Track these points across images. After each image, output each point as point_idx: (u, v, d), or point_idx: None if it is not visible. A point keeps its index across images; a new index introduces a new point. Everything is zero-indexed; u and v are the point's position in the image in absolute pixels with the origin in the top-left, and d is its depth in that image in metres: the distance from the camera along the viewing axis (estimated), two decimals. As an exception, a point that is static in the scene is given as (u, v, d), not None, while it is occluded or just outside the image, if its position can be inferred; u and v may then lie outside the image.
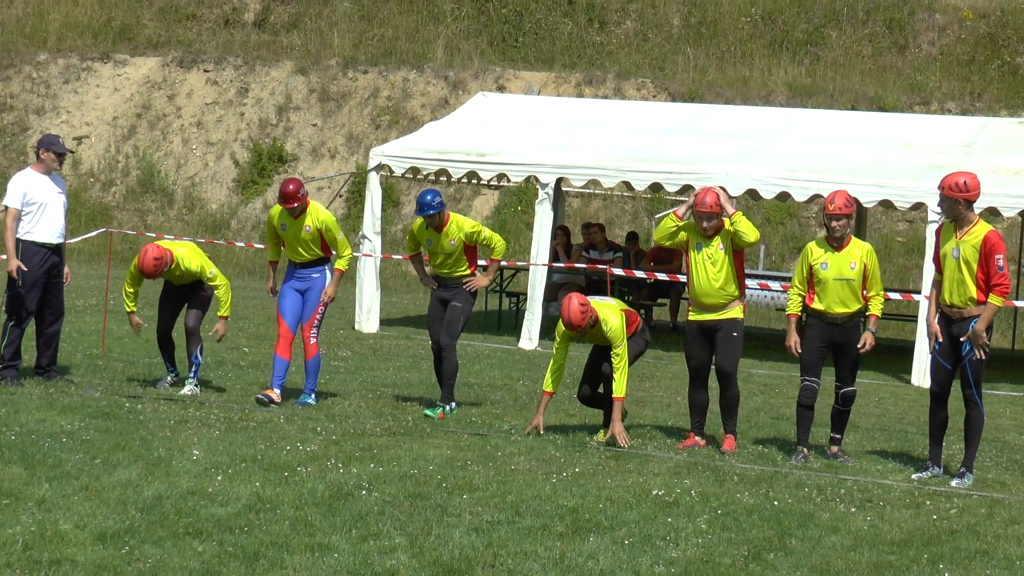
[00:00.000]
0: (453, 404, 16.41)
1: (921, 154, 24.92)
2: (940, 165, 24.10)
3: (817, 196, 25.21)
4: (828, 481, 13.76)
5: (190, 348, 17.31)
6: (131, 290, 17.88)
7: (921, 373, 22.73)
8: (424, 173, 27.54)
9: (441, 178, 27.37)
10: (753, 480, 13.55)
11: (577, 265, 27.01)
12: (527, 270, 24.91)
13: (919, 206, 24.08)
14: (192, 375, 17.43)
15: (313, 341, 16.66)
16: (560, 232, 27.75)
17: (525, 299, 24.69)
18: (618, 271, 25.28)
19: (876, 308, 14.91)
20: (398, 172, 26.81)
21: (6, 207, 17.88)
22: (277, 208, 16.99)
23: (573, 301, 14.41)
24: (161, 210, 40.29)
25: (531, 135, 26.66)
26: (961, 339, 13.68)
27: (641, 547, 10.63)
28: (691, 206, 14.93)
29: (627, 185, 27.18)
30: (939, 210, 15.96)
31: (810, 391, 14.40)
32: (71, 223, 16.12)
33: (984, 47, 39.73)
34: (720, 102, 34.23)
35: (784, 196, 25.22)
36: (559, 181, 25.74)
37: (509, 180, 27.42)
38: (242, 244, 34.14)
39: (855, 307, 14.77)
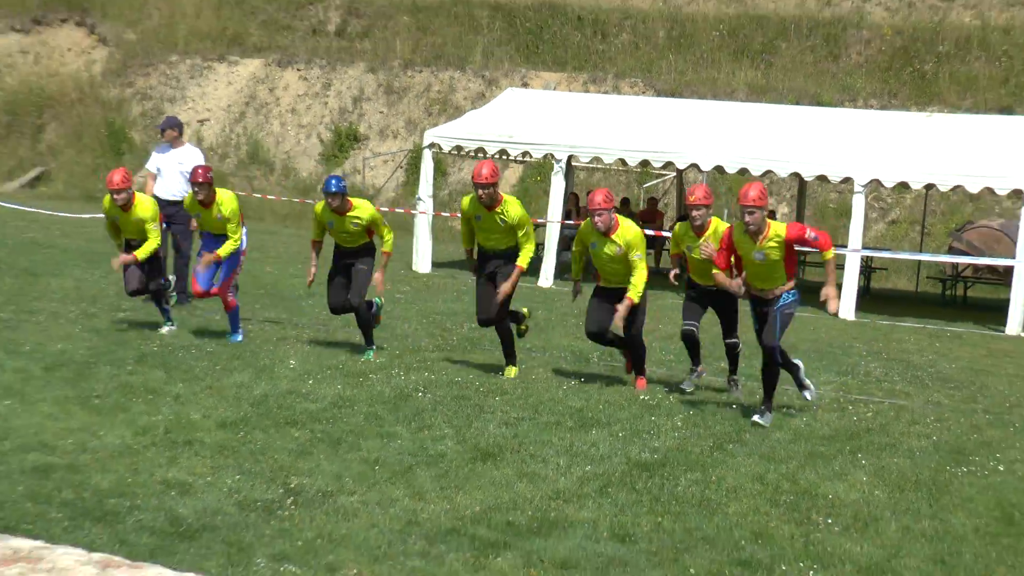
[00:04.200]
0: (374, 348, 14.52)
1: (850, 139, 24.87)
2: (865, 148, 24.13)
3: (769, 171, 25.23)
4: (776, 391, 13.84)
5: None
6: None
7: (850, 308, 22.80)
8: (466, 150, 27.55)
9: (479, 154, 27.37)
10: (718, 388, 13.67)
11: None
12: (545, 226, 24.88)
13: (847, 180, 24.03)
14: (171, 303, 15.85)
15: None
16: (572, 197, 27.73)
17: (543, 247, 24.67)
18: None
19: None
20: (446, 149, 26.86)
21: (147, 171, 18.84)
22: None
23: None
24: (264, 176, 40.24)
25: (548, 122, 26.64)
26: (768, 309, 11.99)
27: (631, 438, 10.75)
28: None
29: (623, 161, 27.26)
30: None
31: (690, 332, 13.27)
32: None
33: (899, 57, 39.49)
34: (695, 97, 34.04)
35: (743, 171, 25.15)
36: (570, 158, 25.68)
37: (531, 156, 27.33)
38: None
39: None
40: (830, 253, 11.89)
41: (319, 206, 14.28)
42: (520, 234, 13.33)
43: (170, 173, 18.21)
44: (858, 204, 23.55)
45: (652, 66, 40.66)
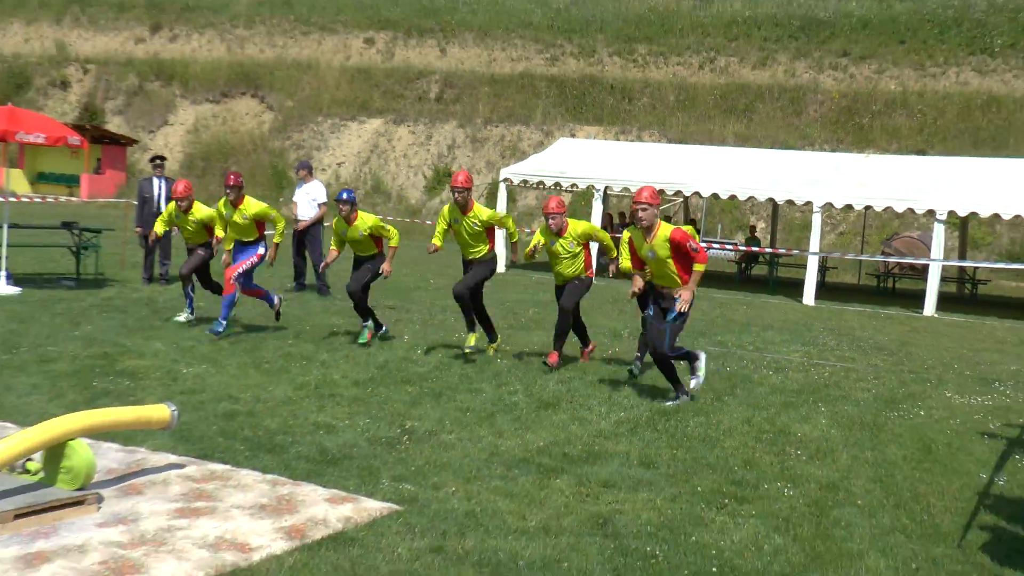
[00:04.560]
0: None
1: (810, 174, 24.71)
2: (821, 181, 23.99)
3: (751, 197, 25.09)
4: (757, 358, 13.73)
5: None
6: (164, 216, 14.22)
7: (811, 296, 22.67)
8: (531, 183, 27.54)
9: (539, 186, 27.29)
10: (715, 356, 13.56)
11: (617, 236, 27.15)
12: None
13: (808, 203, 23.86)
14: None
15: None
16: (607, 216, 27.68)
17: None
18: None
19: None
20: (515, 182, 26.85)
21: (293, 201, 19.25)
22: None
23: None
24: (384, 203, 40.37)
25: (590, 162, 26.62)
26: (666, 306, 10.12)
27: (653, 393, 10.68)
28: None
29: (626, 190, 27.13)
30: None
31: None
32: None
33: (844, 113, 39.25)
34: (696, 144, 33.94)
35: (733, 197, 25.02)
36: (606, 188, 25.65)
37: (578, 187, 27.28)
38: (429, 222, 34.38)
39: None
40: (701, 267, 9.81)
41: (336, 220, 12.80)
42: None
43: (302, 201, 18.72)
44: (816, 221, 23.45)
45: (665, 121, 40.51)
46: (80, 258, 18.00)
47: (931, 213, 23.80)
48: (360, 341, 12.72)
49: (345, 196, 12.49)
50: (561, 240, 11.71)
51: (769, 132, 38.87)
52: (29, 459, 6.63)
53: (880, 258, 28.86)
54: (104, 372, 10.23)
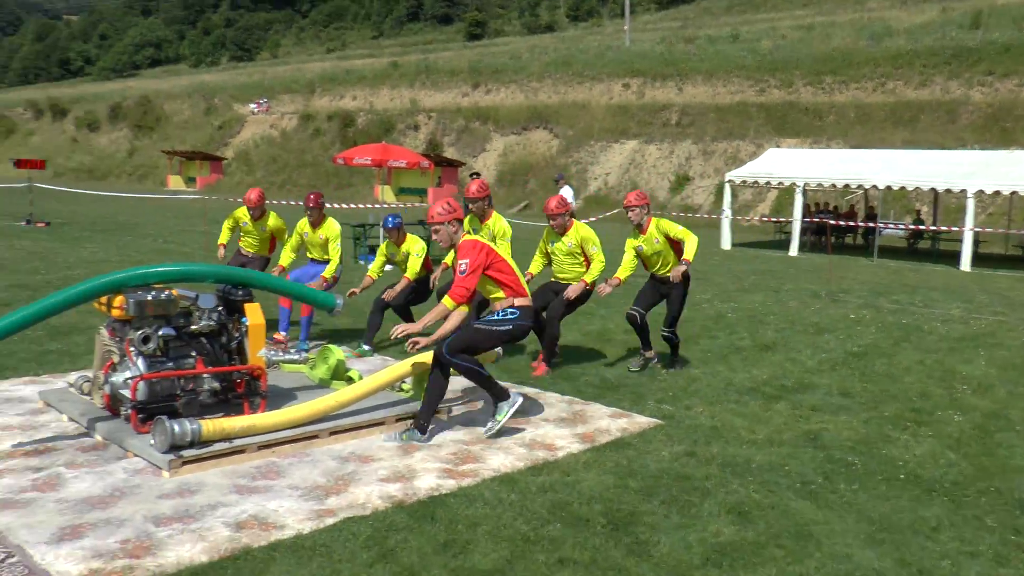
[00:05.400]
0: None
1: (963, 168, 22.73)
2: (973, 173, 22.02)
3: (917, 187, 23.31)
4: (926, 312, 12.81)
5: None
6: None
7: (967, 264, 20.87)
8: (748, 182, 26.49)
9: (755, 184, 26.30)
10: (892, 311, 12.74)
11: (814, 220, 25.83)
12: (791, 222, 23.74)
13: (963, 191, 21.90)
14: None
15: None
16: (806, 207, 26.31)
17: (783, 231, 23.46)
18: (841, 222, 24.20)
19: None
20: (737, 182, 25.90)
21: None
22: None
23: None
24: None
25: (791, 165, 25.39)
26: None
27: (846, 340, 10.12)
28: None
29: (834, 185, 25.63)
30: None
31: (632, 316, 8.03)
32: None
33: (991, 120, 36.00)
34: (872, 148, 31.90)
35: (902, 188, 23.27)
36: (804, 184, 24.37)
37: (783, 184, 26.07)
38: (675, 213, 33.96)
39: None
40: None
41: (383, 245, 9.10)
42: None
43: None
44: (970, 205, 21.46)
45: (847, 133, 38.17)
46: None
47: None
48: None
49: (391, 223, 8.90)
50: (561, 239, 8.29)
51: (929, 137, 36.05)
52: (403, 381, 6.97)
53: (1024, 232, 26.29)
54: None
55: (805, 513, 4.80)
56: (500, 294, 6.25)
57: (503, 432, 6.13)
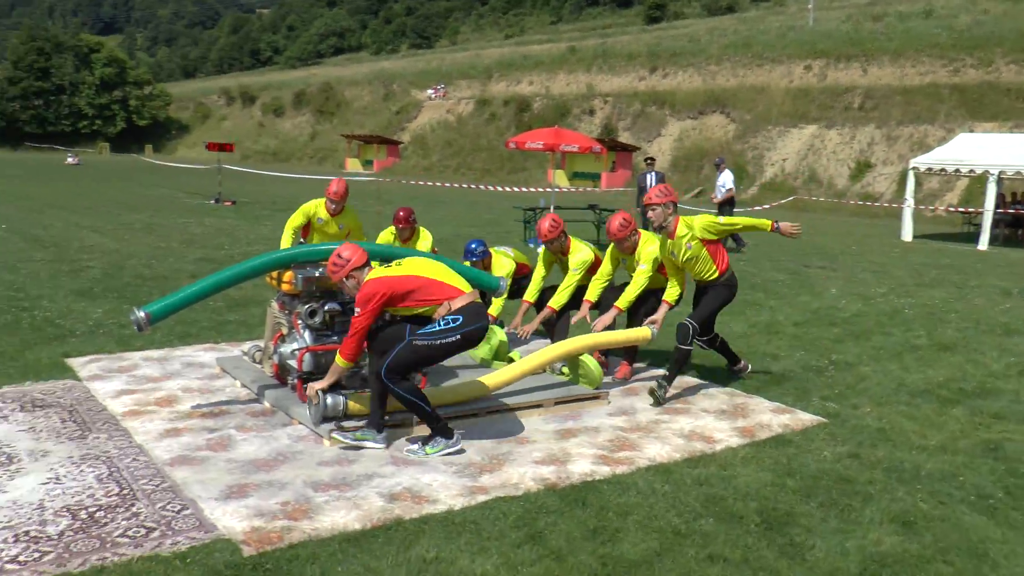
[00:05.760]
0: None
1: None
2: None
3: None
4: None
5: None
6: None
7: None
8: (935, 170, 24.77)
9: (942, 172, 24.64)
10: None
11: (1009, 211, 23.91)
12: (982, 213, 22.08)
13: None
14: None
15: None
16: (1000, 197, 24.30)
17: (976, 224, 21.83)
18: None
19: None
20: (922, 170, 24.34)
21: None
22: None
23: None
24: (816, 189, 38.26)
25: (986, 152, 23.44)
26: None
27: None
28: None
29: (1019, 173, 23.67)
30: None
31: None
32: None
33: None
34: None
35: None
36: (999, 173, 22.52)
37: (975, 172, 24.15)
38: (853, 202, 32.35)
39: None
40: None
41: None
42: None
43: (716, 185, 18.68)
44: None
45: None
46: (599, 230, 18.67)
47: None
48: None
49: (477, 253, 7.75)
50: (630, 258, 7.16)
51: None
52: (563, 364, 6.98)
53: None
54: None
55: (980, 529, 4.46)
56: (430, 309, 5.24)
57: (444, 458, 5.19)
